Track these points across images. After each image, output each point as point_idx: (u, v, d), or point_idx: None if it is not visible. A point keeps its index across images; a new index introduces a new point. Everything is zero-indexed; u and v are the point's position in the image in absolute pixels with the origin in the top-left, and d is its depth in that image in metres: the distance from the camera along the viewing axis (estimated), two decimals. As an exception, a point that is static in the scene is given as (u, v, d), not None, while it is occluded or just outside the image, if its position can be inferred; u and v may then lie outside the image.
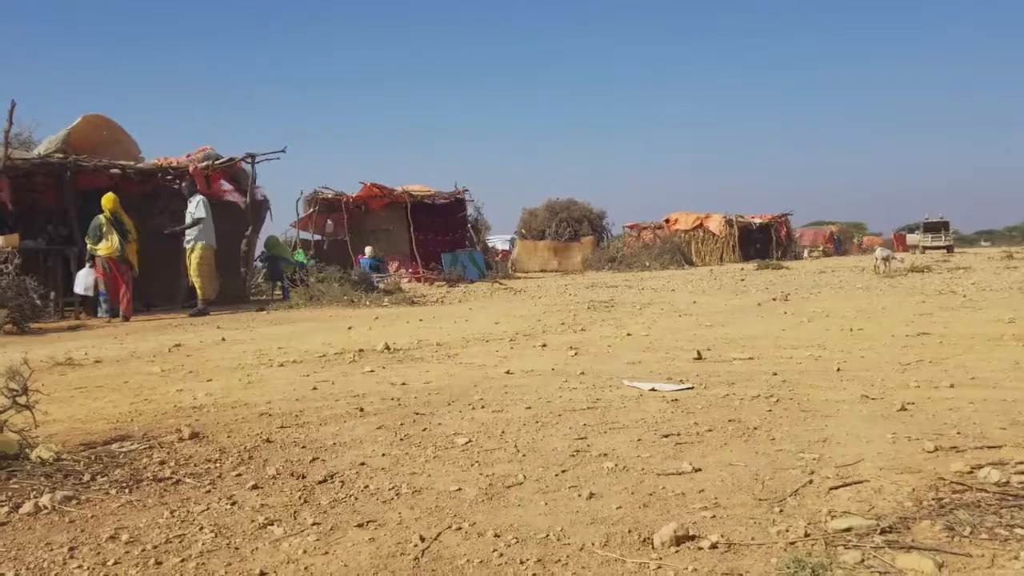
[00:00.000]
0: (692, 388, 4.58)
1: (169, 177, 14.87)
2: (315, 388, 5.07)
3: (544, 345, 6.90)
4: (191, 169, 14.21)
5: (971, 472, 2.80)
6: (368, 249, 22.85)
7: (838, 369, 5.15)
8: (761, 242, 40.89)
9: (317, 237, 25.28)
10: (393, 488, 2.84)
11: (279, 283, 17.14)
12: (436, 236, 25.71)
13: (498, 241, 38.24)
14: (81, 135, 14.00)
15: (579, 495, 2.70)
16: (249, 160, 15.02)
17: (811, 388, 4.52)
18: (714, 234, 38.70)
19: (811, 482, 2.79)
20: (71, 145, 13.64)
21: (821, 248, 49.66)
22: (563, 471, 3.00)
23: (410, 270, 23.40)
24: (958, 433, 3.40)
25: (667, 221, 40.05)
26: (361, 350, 6.94)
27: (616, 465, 3.03)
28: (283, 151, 14.98)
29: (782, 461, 3.07)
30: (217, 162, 14.71)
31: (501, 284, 20.18)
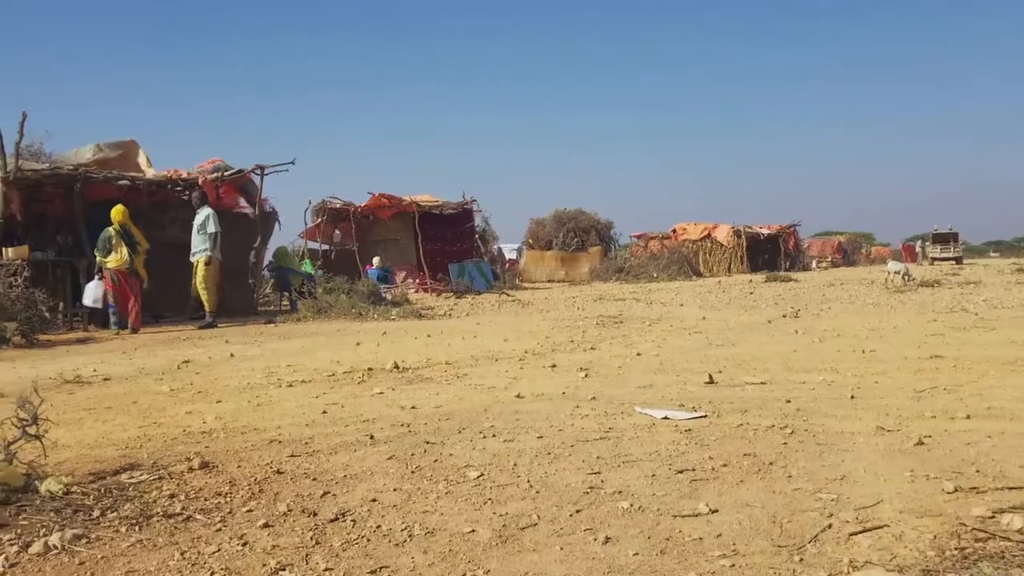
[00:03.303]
0: (705, 416, 4.54)
1: (179, 188, 14.90)
2: (324, 412, 5.04)
3: (554, 366, 6.86)
4: (201, 181, 14.23)
5: (993, 517, 2.75)
6: (376, 259, 22.87)
7: (852, 396, 5.10)
8: (769, 253, 40.83)
9: (325, 247, 25.31)
10: (406, 528, 2.81)
11: (287, 294, 17.16)
12: (444, 246, 25.71)
13: (505, 250, 38.24)
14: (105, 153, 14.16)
15: (595, 539, 2.66)
16: (258, 172, 15.05)
17: (826, 418, 4.47)
18: (722, 244, 38.66)
19: (830, 526, 2.75)
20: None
21: (829, 259, 49.53)
22: (577, 511, 2.96)
23: (417, 280, 23.40)
24: (977, 471, 3.35)
25: (674, 231, 40.03)
26: (370, 369, 6.92)
27: (631, 505, 2.99)
28: (292, 163, 15.01)
29: (800, 502, 3.03)
30: (227, 174, 14.73)
31: (509, 296, 20.16)
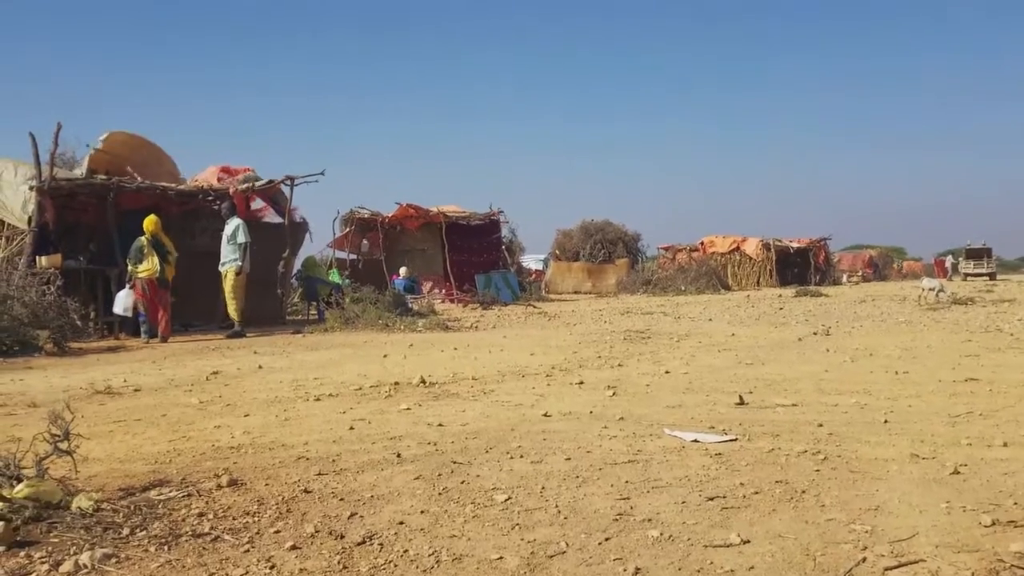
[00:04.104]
0: (736, 440, 4.48)
1: (210, 198, 15.06)
2: (352, 428, 5.04)
3: (581, 383, 6.83)
4: (231, 191, 14.37)
5: (1034, 554, 2.68)
6: (403, 270, 22.96)
7: (885, 421, 5.01)
8: (799, 266, 40.47)
9: (353, 256, 25.46)
10: (433, 554, 2.79)
11: (314, 303, 17.26)
12: (470, 257, 25.79)
13: (531, 261, 38.27)
14: (119, 153, 14.23)
15: (624, 569, 2.63)
16: (288, 182, 15.18)
17: (859, 443, 4.40)
18: (751, 258, 38.39)
19: (865, 560, 2.69)
20: (108, 162, 13.87)
21: (860, 273, 48.99)
22: (606, 539, 2.92)
23: (444, 291, 23.47)
24: (1015, 504, 3.27)
25: (703, 244, 39.82)
26: (397, 383, 6.92)
27: (661, 534, 2.95)
28: (321, 174, 15.13)
29: (833, 533, 2.97)
30: (257, 184, 14.87)
31: (535, 307, 20.14)
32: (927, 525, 3.04)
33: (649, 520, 3.13)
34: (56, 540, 2.90)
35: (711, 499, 3.38)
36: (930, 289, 18.12)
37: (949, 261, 54.46)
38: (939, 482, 3.63)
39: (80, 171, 13.88)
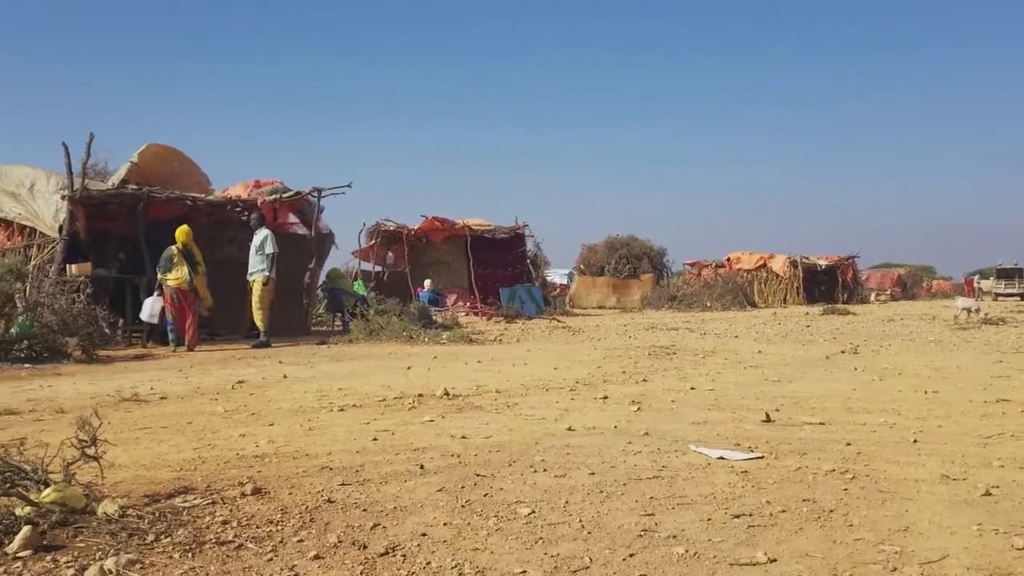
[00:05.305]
0: (762, 458, 4.43)
1: (238, 209, 15.21)
2: (375, 439, 5.04)
3: (605, 397, 6.79)
4: (259, 202, 14.50)
5: (1070, 580, 2.62)
6: (427, 282, 23.02)
7: (915, 441, 4.94)
8: (826, 284, 40.11)
9: (378, 268, 25.58)
10: (456, 567, 2.77)
11: (339, 314, 17.35)
12: (495, 270, 25.83)
13: (556, 275, 38.25)
14: (149, 164, 14.45)
15: (649, 586, 2.60)
16: (315, 194, 15.30)
17: (887, 463, 4.33)
18: (778, 275, 38.10)
19: (895, 582, 2.64)
20: (140, 173, 14.07)
21: (888, 292, 48.45)
22: (631, 555, 2.89)
23: (468, 304, 23.50)
24: (1050, 527, 3.20)
25: (729, 260, 39.59)
26: (420, 395, 6.92)
27: (686, 551, 2.91)
28: (348, 186, 15.24)
29: (861, 553, 2.92)
30: (284, 195, 14.99)
31: (559, 322, 20.10)
32: (958, 547, 2.99)
33: (674, 537, 3.09)
34: (82, 545, 2.92)
35: (737, 516, 3.34)
36: (964, 309, 17.86)
37: (977, 280, 53.81)
38: (970, 504, 3.56)
39: (114, 181, 14.09)
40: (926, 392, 7.05)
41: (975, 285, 53.35)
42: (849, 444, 4.82)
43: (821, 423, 5.55)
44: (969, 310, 17.81)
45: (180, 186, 14.72)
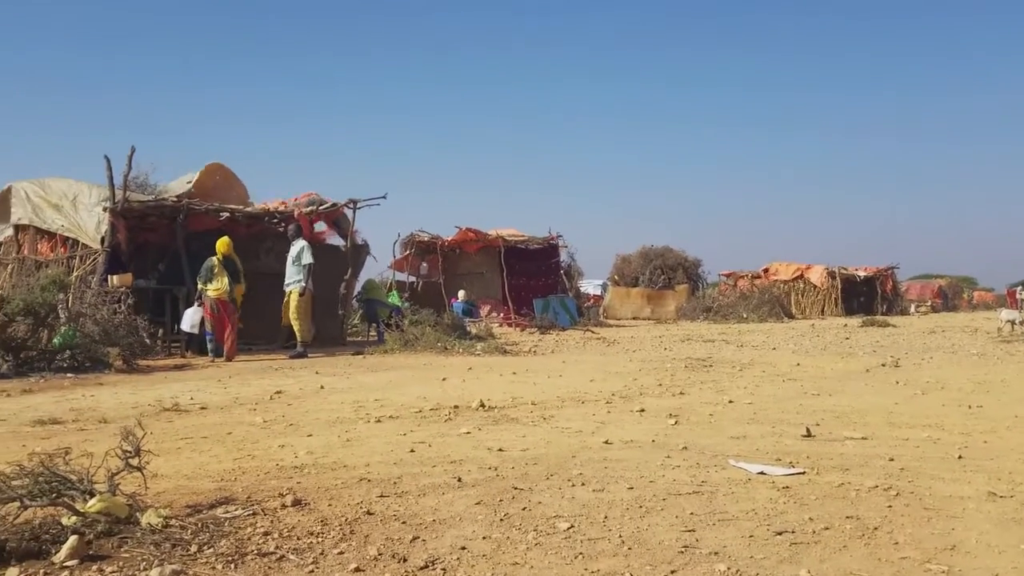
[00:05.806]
0: (804, 473, 4.37)
1: (275, 221, 15.38)
2: (412, 450, 5.05)
3: (642, 410, 6.74)
4: (296, 214, 14.66)
5: None
6: (461, 293, 23.07)
7: (959, 456, 4.84)
8: (865, 295, 39.49)
9: (412, 279, 25.70)
10: (496, 581, 2.76)
11: (375, 325, 17.45)
12: (528, 281, 25.84)
13: (590, 286, 38.14)
14: (202, 182, 14.79)
15: (691, 604, 2.57)
16: (351, 206, 15.43)
17: (932, 479, 4.25)
18: (815, 286, 37.62)
19: (944, 603, 2.59)
20: (196, 191, 14.45)
21: (929, 303, 47.60)
22: (672, 571, 2.86)
23: (502, 315, 23.50)
24: (1105, 548, 3.12)
25: (765, 271, 39.18)
26: (456, 406, 6.93)
27: (728, 568, 2.88)
28: (383, 197, 15.35)
29: (908, 572, 2.86)
30: (321, 207, 15.14)
31: (593, 333, 20.03)
32: (1007, 566, 2.92)
33: (716, 553, 3.05)
34: (127, 555, 2.95)
35: (779, 533, 3.29)
36: (1008, 321, 17.48)
37: (1020, 291, 52.65)
38: (1018, 522, 3.48)
39: (171, 197, 14.39)
40: (970, 406, 6.92)
41: (1018, 296, 52.22)
42: (892, 460, 4.73)
43: (863, 438, 5.46)
44: (1013, 322, 17.42)
45: (221, 198, 14.96)
